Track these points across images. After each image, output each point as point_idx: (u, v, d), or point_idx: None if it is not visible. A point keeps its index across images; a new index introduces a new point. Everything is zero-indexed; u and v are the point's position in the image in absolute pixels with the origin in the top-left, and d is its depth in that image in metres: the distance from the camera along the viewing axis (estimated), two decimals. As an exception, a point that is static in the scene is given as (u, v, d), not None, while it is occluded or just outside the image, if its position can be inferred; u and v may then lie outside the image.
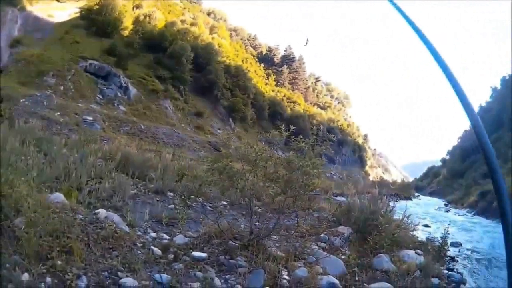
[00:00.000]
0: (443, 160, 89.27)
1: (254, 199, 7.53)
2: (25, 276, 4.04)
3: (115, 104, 38.23)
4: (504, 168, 38.22)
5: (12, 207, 4.93)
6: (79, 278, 4.40)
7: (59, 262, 4.44)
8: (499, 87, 77.03)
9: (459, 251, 11.38)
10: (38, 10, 48.59)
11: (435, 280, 7.39)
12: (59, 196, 6.54)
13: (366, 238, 8.14)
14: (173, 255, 5.99)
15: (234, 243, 6.56)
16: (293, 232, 7.25)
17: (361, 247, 8.01)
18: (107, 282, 4.58)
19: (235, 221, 7.32)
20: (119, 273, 4.88)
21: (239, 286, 5.41)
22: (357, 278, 6.57)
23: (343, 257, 7.44)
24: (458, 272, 8.93)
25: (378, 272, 7.00)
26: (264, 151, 6.79)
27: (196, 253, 6.11)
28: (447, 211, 28.14)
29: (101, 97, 37.88)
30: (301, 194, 6.44)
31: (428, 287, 6.78)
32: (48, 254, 4.50)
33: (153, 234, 6.90)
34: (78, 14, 52.68)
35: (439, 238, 9.89)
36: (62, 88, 34.21)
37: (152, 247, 6.07)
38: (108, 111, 32.77)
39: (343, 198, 15.19)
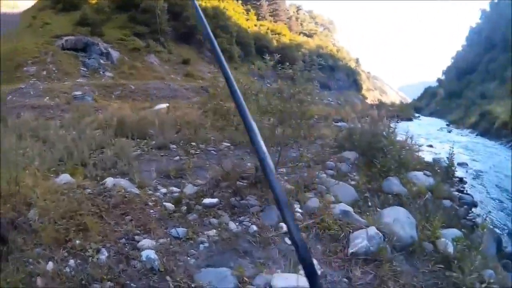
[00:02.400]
0: (439, 81, 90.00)
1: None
2: (50, 265, 4.17)
3: (101, 72, 37.69)
4: (500, 90, 37.83)
5: (22, 203, 5.02)
6: (99, 251, 4.54)
7: (77, 241, 4.57)
8: (488, 9, 77.66)
9: (466, 172, 11.37)
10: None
11: (447, 202, 7.54)
12: (65, 177, 6.61)
13: (373, 162, 8.11)
14: (185, 207, 6.11)
15: (242, 183, 6.61)
16: (298, 163, 7.22)
17: (369, 171, 8.02)
18: (126, 249, 4.70)
19: (241, 160, 7.32)
20: (136, 237, 5.01)
21: (254, 226, 5.51)
22: (369, 204, 6.61)
23: (352, 183, 7.47)
24: (468, 194, 8.94)
25: (390, 195, 7.02)
26: (251, 83, 6.71)
27: (207, 200, 6.21)
28: (449, 132, 27.90)
29: (85, 69, 37.24)
30: (299, 123, 6.38)
31: (440, 209, 6.71)
32: (66, 237, 4.62)
33: (164, 190, 6.98)
34: (41, -4, 51.31)
35: (446, 159, 9.93)
36: (44, 72, 33.61)
37: (164, 203, 6.18)
38: (95, 81, 32.31)
39: (344, 123, 15.05)
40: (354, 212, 5.91)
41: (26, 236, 4.53)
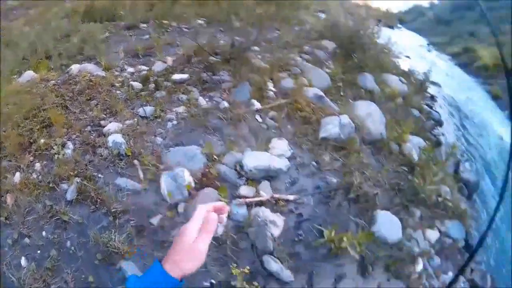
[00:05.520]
0: (431, 4, 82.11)
1: (232, 15, 7.20)
2: (17, 176, 4.13)
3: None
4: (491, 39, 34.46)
5: (-15, 115, 4.83)
6: (64, 146, 4.46)
7: (42, 140, 4.49)
8: None
9: (438, 92, 11.04)
10: None
11: (416, 112, 7.61)
12: (28, 74, 6.33)
13: (351, 55, 7.92)
14: (153, 85, 5.97)
15: (215, 58, 6.42)
16: (274, 44, 7.03)
17: (346, 64, 7.82)
18: (92, 137, 4.62)
19: (214, 38, 7.05)
20: (102, 122, 4.92)
21: (225, 102, 5.42)
22: (342, 93, 6.61)
23: (327, 70, 7.29)
24: (436, 111, 8.89)
25: (363, 90, 7.02)
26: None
27: (176, 76, 6.07)
28: (429, 51, 26.52)
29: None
30: (281, 3, 6.04)
31: (409, 116, 6.90)
32: (30, 139, 4.53)
33: (131, 69, 6.75)
34: None
35: (421, 72, 9.74)
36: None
37: (132, 82, 6.01)
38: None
39: (323, 14, 14.46)
40: (327, 98, 5.91)
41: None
